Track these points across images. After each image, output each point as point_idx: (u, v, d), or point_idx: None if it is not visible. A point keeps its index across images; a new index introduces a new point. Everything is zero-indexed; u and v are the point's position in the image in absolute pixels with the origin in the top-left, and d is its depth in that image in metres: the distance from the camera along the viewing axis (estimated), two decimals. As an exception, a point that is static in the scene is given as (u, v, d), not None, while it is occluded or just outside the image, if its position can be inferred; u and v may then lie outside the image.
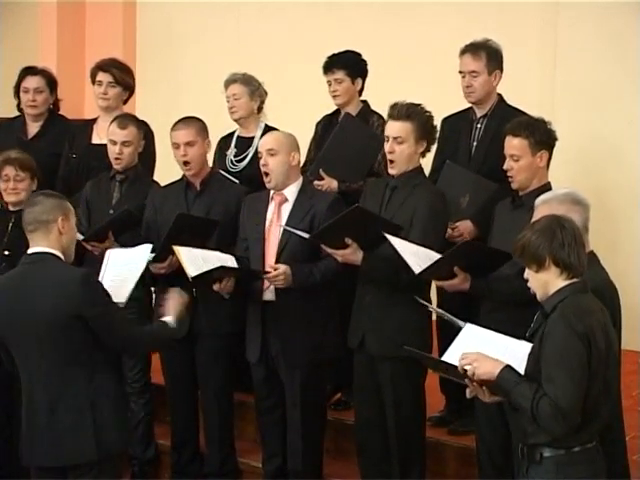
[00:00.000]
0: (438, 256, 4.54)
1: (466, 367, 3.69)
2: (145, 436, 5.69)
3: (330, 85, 5.75)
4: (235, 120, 5.96)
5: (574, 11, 6.73)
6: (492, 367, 3.64)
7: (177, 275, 5.05)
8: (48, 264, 4.23)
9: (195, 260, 4.90)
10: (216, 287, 4.99)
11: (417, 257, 4.52)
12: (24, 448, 4.32)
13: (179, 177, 5.46)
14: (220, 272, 4.91)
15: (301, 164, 5.26)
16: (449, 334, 4.18)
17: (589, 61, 6.69)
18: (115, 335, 4.23)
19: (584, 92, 6.72)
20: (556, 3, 6.82)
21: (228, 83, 5.98)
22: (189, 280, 4.89)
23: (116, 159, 5.55)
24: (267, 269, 4.93)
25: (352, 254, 4.70)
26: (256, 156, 5.43)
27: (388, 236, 4.55)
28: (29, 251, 4.29)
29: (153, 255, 5.04)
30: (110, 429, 4.24)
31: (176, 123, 5.33)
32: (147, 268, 5.05)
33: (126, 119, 5.62)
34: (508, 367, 3.63)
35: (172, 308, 4.48)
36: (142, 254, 4.94)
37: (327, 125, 5.84)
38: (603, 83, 6.65)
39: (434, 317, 5.04)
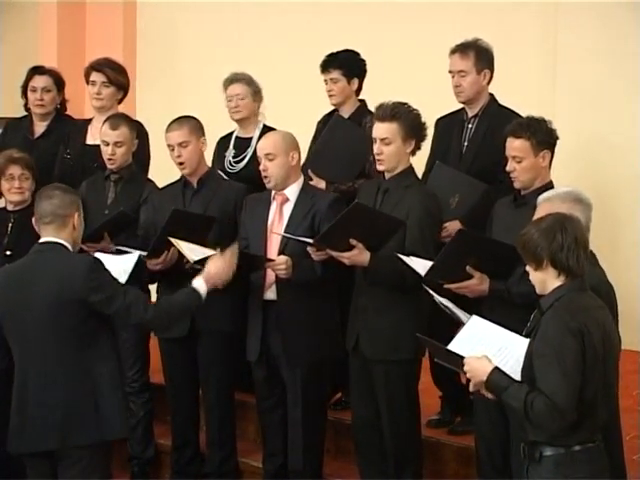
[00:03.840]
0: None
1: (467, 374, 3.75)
2: (144, 436, 5.69)
3: (326, 84, 5.75)
4: (236, 120, 5.94)
5: (574, 11, 6.72)
6: (482, 373, 3.67)
7: (175, 272, 5.09)
8: (57, 253, 4.33)
9: (194, 250, 4.91)
10: None
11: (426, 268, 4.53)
12: (15, 435, 4.34)
13: (177, 177, 5.46)
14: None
15: (301, 163, 5.25)
16: (442, 333, 4.18)
17: (589, 61, 6.68)
18: (126, 319, 4.34)
19: (584, 92, 6.71)
20: (556, 3, 6.81)
21: (230, 83, 5.94)
22: (188, 273, 4.92)
23: (109, 160, 5.55)
24: (268, 263, 4.93)
25: (359, 255, 4.68)
26: (254, 157, 5.44)
27: (401, 256, 4.56)
28: (40, 240, 4.39)
29: (146, 253, 5.06)
30: (112, 415, 4.31)
31: (169, 124, 5.31)
32: (145, 266, 5.10)
33: (118, 119, 5.61)
34: (496, 370, 3.65)
35: (207, 271, 4.52)
36: (129, 262, 4.94)
37: (325, 124, 5.82)
38: (603, 83, 6.64)
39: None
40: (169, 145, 5.28)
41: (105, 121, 5.63)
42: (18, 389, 4.35)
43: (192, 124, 5.30)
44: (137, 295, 4.36)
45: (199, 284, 4.46)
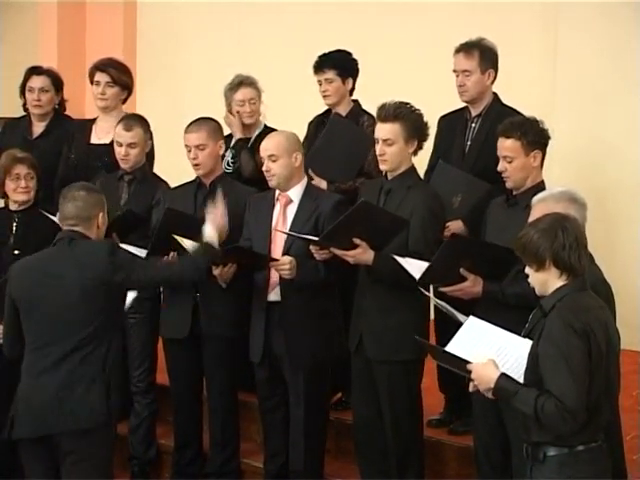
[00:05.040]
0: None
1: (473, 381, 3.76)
2: (147, 436, 5.68)
3: (321, 85, 5.74)
4: (249, 124, 5.88)
5: (574, 12, 6.72)
6: (488, 380, 3.68)
7: None
8: (79, 240, 4.42)
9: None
10: (216, 272, 5.00)
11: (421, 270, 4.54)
12: (18, 420, 4.37)
13: (181, 176, 5.46)
14: (229, 253, 4.93)
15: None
16: (447, 333, 4.19)
17: (589, 62, 6.69)
18: (147, 285, 4.81)
19: (584, 92, 6.72)
20: (557, 4, 6.82)
21: (239, 86, 5.88)
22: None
23: (122, 160, 5.54)
24: (272, 263, 4.93)
25: (363, 253, 4.68)
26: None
27: (397, 258, 4.57)
28: (65, 228, 4.49)
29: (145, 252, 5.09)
30: (115, 395, 4.41)
31: (189, 125, 5.29)
32: None
33: (132, 120, 5.60)
34: (503, 376, 3.66)
35: (212, 222, 4.71)
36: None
37: (318, 125, 5.82)
38: (603, 83, 6.65)
39: (432, 316, 5.06)
40: (186, 146, 5.27)
41: (120, 121, 5.63)
42: (28, 372, 4.38)
43: (211, 127, 5.28)
44: (153, 264, 4.64)
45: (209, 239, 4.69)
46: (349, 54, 5.79)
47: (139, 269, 4.46)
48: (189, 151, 5.26)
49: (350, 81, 5.75)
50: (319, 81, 5.74)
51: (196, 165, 5.26)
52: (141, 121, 5.65)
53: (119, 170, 5.62)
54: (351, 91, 5.79)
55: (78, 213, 4.44)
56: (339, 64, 5.71)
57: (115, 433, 4.54)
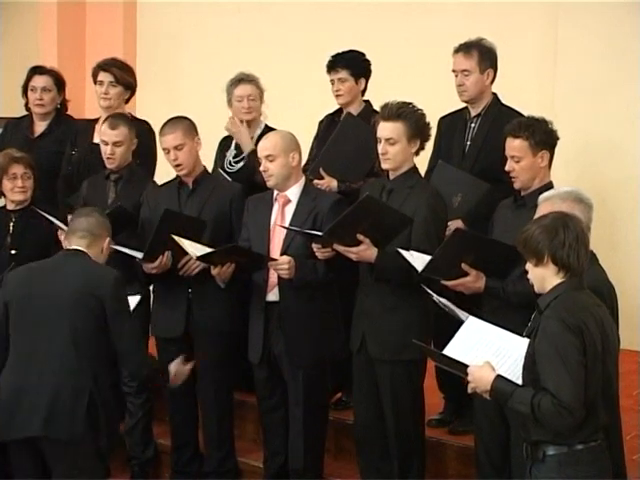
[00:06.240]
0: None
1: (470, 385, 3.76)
2: (144, 436, 5.67)
3: (333, 84, 5.74)
4: (247, 121, 5.88)
5: (574, 11, 6.72)
6: (485, 382, 3.68)
7: (172, 273, 5.17)
8: (85, 257, 4.42)
9: (196, 247, 4.94)
10: (215, 271, 5.01)
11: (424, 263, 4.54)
12: (5, 421, 4.33)
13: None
14: (227, 252, 4.94)
15: (302, 163, 5.24)
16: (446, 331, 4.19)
17: (589, 61, 6.69)
18: (115, 337, 4.40)
19: (584, 92, 6.72)
20: (557, 3, 6.82)
21: (239, 82, 5.89)
22: (184, 278, 5.10)
23: (108, 159, 5.55)
24: (271, 262, 4.93)
25: (366, 250, 4.68)
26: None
27: (401, 251, 4.57)
28: (69, 247, 4.47)
29: (141, 254, 5.10)
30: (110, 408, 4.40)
31: (162, 127, 5.30)
32: (140, 266, 5.17)
33: (117, 119, 5.60)
34: (499, 378, 3.66)
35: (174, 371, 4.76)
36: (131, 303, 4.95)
37: (329, 124, 5.83)
38: (603, 83, 6.65)
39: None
40: (164, 148, 5.28)
41: (104, 120, 5.64)
42: (14, 375, 4.35)
43: (185, 125, 5.29)
44: (139, 334, 4.56)
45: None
46: (362, 54, 5.81)
47: (125, 322, 4.40)
48: (167, 153, 5.27)
49: (363, 81, 5.76)
50: (332, 80, 5.74)
51: (177, 166, 5.27)
52: (126, 120, 5.65)
53: (105, 169, 5.62)
54: (363, 91, 5.81)
55: (89, 228, 4.46)
56: (352, 64, 5.73)
57: (106, 444, 4.48)
